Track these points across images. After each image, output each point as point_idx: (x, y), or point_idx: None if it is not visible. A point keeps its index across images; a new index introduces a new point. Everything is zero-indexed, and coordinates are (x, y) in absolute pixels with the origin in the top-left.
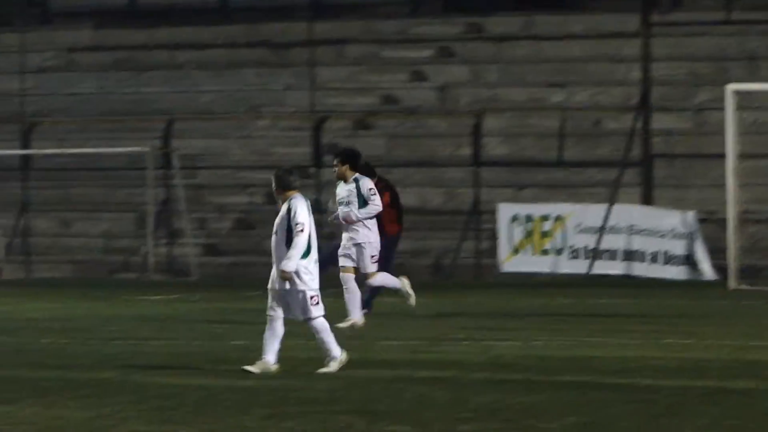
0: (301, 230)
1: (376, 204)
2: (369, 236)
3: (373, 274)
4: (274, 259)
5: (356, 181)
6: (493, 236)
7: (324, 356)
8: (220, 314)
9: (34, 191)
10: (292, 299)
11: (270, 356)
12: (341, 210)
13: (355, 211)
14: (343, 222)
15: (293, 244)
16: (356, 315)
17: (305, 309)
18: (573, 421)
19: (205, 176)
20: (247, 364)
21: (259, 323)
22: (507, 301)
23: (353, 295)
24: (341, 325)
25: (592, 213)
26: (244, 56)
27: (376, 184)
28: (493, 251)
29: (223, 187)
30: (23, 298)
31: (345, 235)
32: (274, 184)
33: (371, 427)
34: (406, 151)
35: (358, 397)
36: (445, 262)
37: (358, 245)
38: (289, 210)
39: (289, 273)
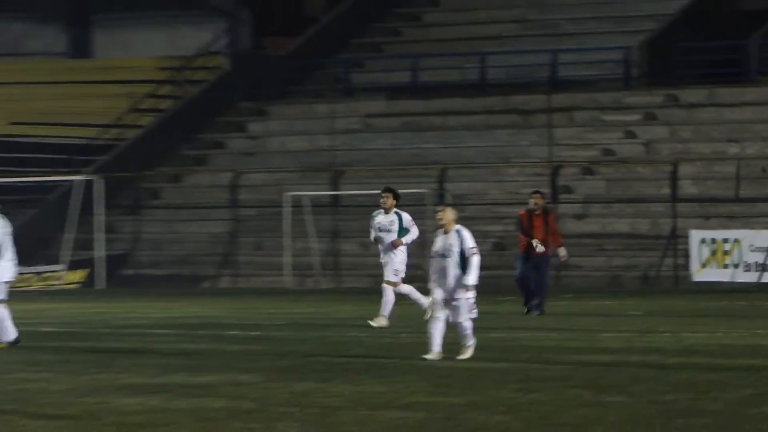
0: (475, 253)
1: (416, 232)
2: (396, 256)
3: (396, 283)
4: (440, 274)
5: (397, 213)
6: (687, 254)
7: (464, 344)
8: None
9: (342, 222)
10: (461, 305)
11: (437, 348)
12: (386, 235)
13: (405, 238)
14: (391, 245)
15: (472, 263)
16: (386, 314)
17: (467, 313)
18: (749, 393)
19: (471, 210)
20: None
21: (513, 319)
22: (697, 304)
23: (389, 302)
24: (372, 322)
25: (761, 237)
26: (498, 120)
27: (538, 213)
28: (686, 266)
29: (484, 219)
30: (334, 303)
31: (382, 255)
32: (450, 216)
33: (596, 398)
34: (621, 191)
35: (585, 376)
36: (650, 274)
37: (387, 262)
38: (460, 236)
39: (472, 286)
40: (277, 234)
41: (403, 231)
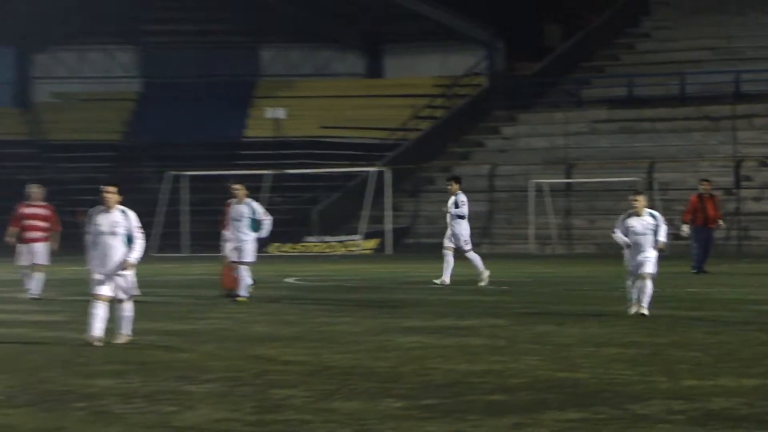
0: (664, 230)
1: (464, 210)
2: (461, 227)
3: (467, 251)
4: (637, 249)
5: (456, 195)
6: None
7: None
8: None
9: (573, 203)
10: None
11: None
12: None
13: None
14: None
15: (660, 234)
16: (446, 277)
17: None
18: None
19: (673, 194)
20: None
21: (702, 277)
22: None
23: (449, 265)
24: (436, 281)
25: None
26: (694, 125)
27: (707, 196)
28: None
29: (683, 201)
30: (567, 265)
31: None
32: (643, 202)
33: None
34: None
35: (762, 321)
36: None
37: (454, 233)
38: (654, 218)
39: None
40: (523, 212)
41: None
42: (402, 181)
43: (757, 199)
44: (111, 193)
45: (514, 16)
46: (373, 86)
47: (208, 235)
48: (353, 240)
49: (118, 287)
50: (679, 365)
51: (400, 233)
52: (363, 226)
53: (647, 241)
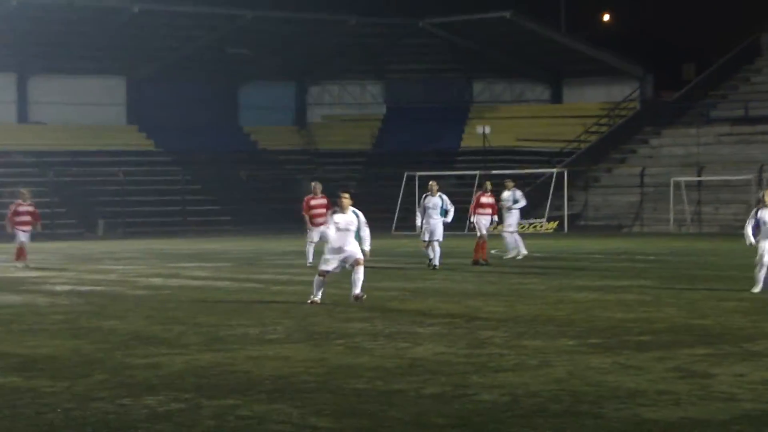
0: None
1: (522, 203)
2: (514, 217)
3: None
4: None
5: (513, 191)
6: None
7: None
8: None
9: (703, 195)
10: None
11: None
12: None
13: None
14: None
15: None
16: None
17: None
18: None
19: None
20: None
21: None
22: None
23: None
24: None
25: None
26: None
27: None
28: None
29: None
30: (696, 241)
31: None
32: None
33: None
34: None
35: None
36: None
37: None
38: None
39: None
40: (665, 202)
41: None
42: (576, 179)
43: None
44: (346, 199)
45: (660, 57)
46: (555, 109)
47: None
48: (540, 222)
49: (344, 262)
50: None
51: (574, 217)
52: (547, 211)
53: None
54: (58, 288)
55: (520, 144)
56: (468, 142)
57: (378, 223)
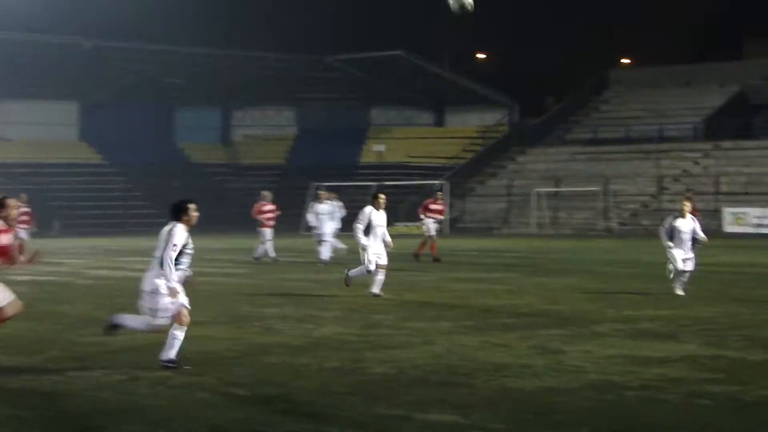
0: None
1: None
2: (328, 226)
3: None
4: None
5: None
6: None
7: None
8: None
9: (560, 203)
10: None
11: None
12: None
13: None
14: None
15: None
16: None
17: None
18: None
19: None
20: None
21: None
22: None
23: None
24: None
25: None
26: None
27: None
28: None
29: None
30: (554, 241)
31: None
32: None
33: None
34: None
35: None
36: None
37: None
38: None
39: None
40: (528, 208)
41: None
42: (456, 189)
43: (671, 201)
44: (383, 200)
45: (526, 89)
46: (439, 132)
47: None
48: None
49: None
50: (622, 302)
51: (454, 221)
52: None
53: (689, 239)
54: (18, 278)
55: (410, 160)
56: (366, 158)
57: (290, 226)
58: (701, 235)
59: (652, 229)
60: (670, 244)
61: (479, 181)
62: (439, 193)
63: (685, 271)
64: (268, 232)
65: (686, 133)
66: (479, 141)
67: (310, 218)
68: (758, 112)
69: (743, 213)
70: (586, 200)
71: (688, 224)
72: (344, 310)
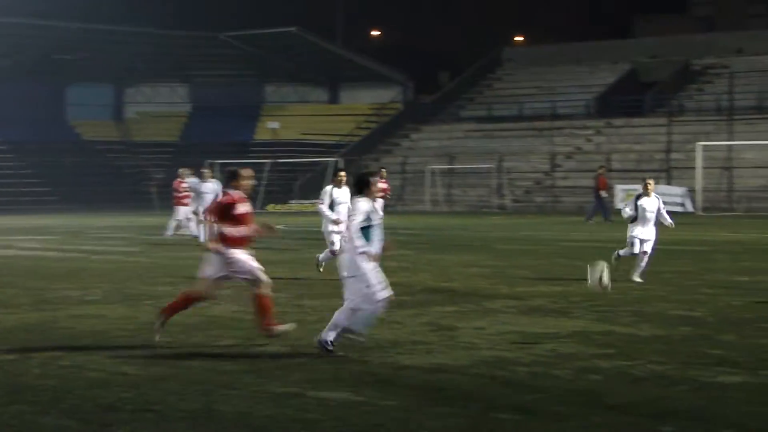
0: None
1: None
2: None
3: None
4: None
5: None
6: None
7: None
8: None
9: (454, 180)
10: None
11: None
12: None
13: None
14: None
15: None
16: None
17: None
18: None
19: None
20: None
21: None
22: None
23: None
24: None
25: None
26: None
27: None
28: None
29: None
30: (448, 218)
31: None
32: None
33: None
34: None
35: None
36: None
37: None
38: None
39: None
40: (423, 185)
41: None
42: (349, 166)
43: (564, 178)
44: (343, 176)
45: (420, 66)
46: (333, 109)
47: None
48: (318, 202)
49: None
50: (515, 278)
51: None
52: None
53: (653, 218)
54: None
55: (304, 137)
56: (260, 135)
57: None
58: (666, 216)
59: (545, 206)
60: (632, 213)
61: (374, 159)
62: (383, 170)
63: (644, 253)
64: (182, 211)
65: (578, 111)
66: (374, 118)
67: (193, 198)
68: (649, 90)
69: (634, 190)
70: (480, 177)
71: (653, 203)
72: (238, 288)
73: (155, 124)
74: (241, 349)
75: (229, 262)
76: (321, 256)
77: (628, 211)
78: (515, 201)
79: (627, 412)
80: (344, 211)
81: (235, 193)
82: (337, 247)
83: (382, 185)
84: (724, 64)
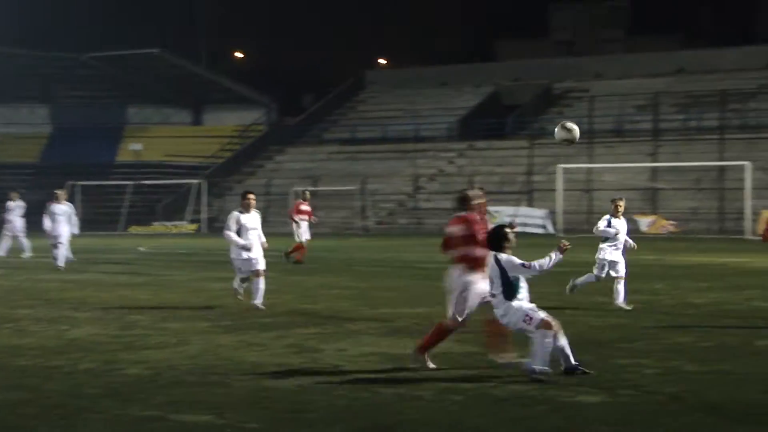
0: None
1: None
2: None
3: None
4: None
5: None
6: None
7: None
8: None
9: (318, 202)
10: None
11: None
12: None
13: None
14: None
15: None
16: None
17: None
18: None
19: None
20: None
21: None
22: None
23: None
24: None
25: None
26: None
27: None
28: None
29: None
30: (315, 240)
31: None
32: None
33: None
34: None
35: None
36: None
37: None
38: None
39: None
40: (286, 207)
41: None
42: (213, 188)
43: (427, 200)
44: (253, 199)
45: (284, 89)
46: (196, 131)
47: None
48: (182, 224)
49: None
50: (378, 300)
51: (212, 220)
52: (188, 215)
53: (623, 240)
54: None
55: (168, 159)
56: (123, 156)
57: (38, 225)
58: (629, 239)
59: (408, 227)
60: (614, 231)
61: (237, 181)
62: (306, 192)
63: (619, 278)
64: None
65: (441, 133)
66: (237, 140)
67: (45, 220)
68: (511, 112)
69: (497, 211)
70: (344, 199)
71: (623, 225)
72: (99, 311)
73: (14, 145)
74: (101, 371)
75: (467, 286)
76: (236, 283)
77: (611, 231)
78: (378, 223)
79: None
80: (254, 238)
81: (471, 215)
82: (246, 274)
83: (305, 208)
84: (584, 88)
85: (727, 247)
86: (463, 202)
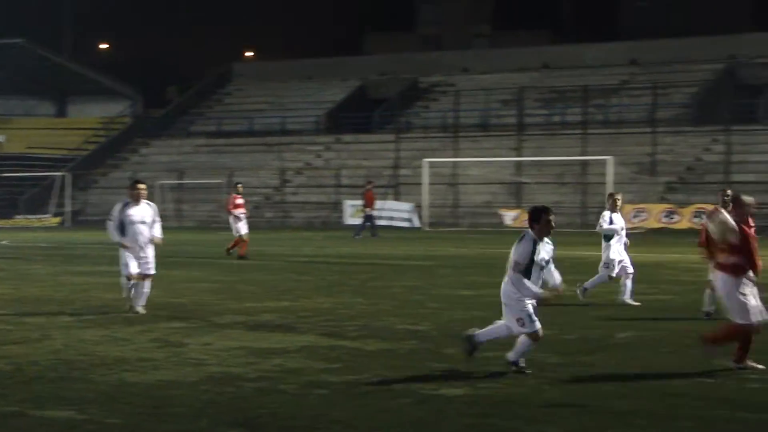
0: None
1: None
2: None
3: None
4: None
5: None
6: None
7: None
8: None
9: (184, 195)
10: None
11: None
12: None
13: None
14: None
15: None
16: None
17: None
18: None
19: None
20: None
21: None
22: None
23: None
24: None
25: None
26: None
27: None
28: None
29: None
30: (179, 234)
31: None
32: None
33: None
34: None
35: None
36: None
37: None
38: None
39: None
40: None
41: None
42: (78, 181)
43: (294, 194)
44: (144, 189)
45: (149, 80)
46: (60, 123)
47: None
48: (46, 217)
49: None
50: (244, 294)
51: (76, 213)
52: (52, 208)
53: (624, 235)
54: None
55: (31, 151)
56: None
57: None
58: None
59: (274, 221)
60: (612, 229)
61: (102, 174)
62: (239, 185)
63: (628, 274)
64: None
65: (308, 127)
66: (102, 132)
67: None
68: (378, 106)
69: (355, 205)
70: (210, 192)
71: (621, 220)
72: None
73: None
74: None
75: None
76: (124, 281)
77: (616, 228)
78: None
79: (351, 426)
80: (145, 231)
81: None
82: (134, 271)
83: (240, 201)
84: (450, 83)
85: (588, 240)
86: (737, 202)
